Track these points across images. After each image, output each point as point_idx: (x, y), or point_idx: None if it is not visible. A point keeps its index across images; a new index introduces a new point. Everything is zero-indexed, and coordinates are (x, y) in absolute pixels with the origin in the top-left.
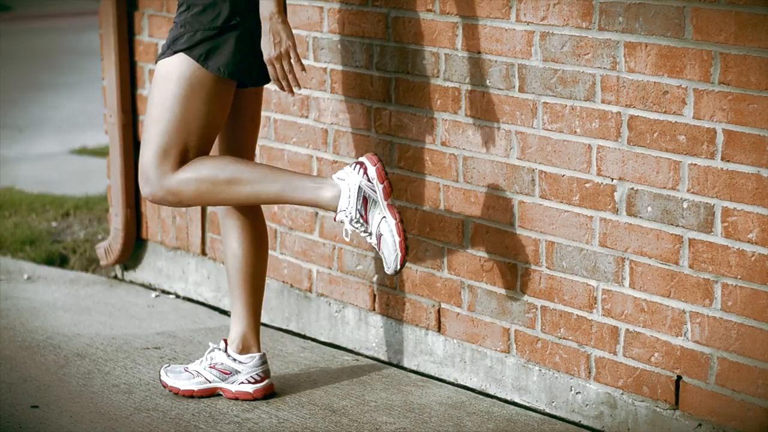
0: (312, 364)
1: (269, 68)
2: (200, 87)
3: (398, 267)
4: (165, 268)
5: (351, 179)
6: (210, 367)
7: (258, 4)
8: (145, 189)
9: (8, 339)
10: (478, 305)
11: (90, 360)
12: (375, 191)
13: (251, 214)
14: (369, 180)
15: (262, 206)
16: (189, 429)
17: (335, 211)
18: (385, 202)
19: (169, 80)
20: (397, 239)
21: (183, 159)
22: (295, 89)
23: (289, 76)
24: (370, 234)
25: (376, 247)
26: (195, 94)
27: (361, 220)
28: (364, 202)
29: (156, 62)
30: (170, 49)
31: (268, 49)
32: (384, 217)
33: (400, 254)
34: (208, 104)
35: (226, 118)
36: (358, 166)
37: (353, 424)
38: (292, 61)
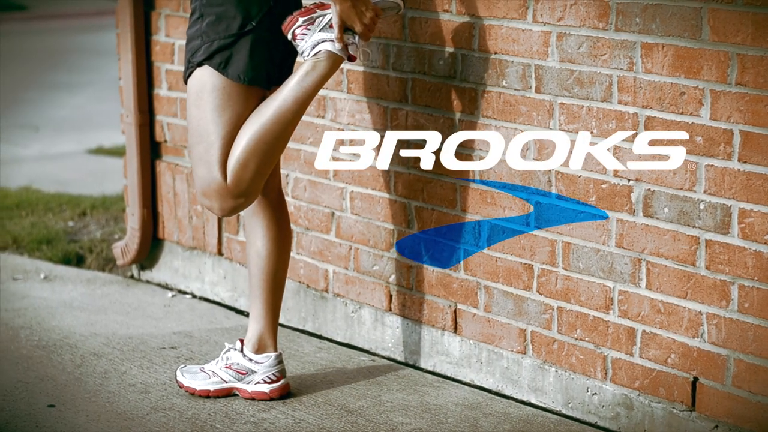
0: (328, 365)
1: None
2: (234, 93)
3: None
4: (181, 267)
5: (315, 37)
6: (226, 367)
7: (270, 8)
8: (213, 206)
9: (25, 338)
10: (495, 306)
11: (106, 359)
12: (322, 16)
13: (277, 214)
14: (313, 22)
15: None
16: (205, 429)
17: (347, 58)
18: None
19: (203, 94)
20: None
21: None
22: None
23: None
24: (355, 31)
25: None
26: (232, 101)
27: (347, 35)
28: (331, 27)
29: (185, 82)
30: (192, 63)
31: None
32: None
33: None
34: (245, 109)
35: None
36: (302, 30)
37: (369, 425)
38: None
